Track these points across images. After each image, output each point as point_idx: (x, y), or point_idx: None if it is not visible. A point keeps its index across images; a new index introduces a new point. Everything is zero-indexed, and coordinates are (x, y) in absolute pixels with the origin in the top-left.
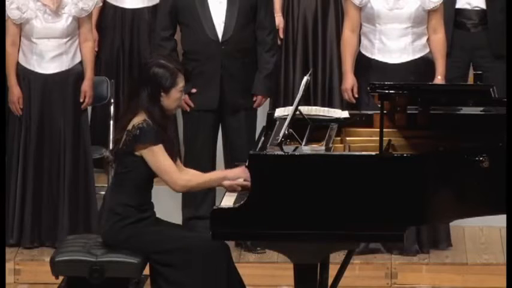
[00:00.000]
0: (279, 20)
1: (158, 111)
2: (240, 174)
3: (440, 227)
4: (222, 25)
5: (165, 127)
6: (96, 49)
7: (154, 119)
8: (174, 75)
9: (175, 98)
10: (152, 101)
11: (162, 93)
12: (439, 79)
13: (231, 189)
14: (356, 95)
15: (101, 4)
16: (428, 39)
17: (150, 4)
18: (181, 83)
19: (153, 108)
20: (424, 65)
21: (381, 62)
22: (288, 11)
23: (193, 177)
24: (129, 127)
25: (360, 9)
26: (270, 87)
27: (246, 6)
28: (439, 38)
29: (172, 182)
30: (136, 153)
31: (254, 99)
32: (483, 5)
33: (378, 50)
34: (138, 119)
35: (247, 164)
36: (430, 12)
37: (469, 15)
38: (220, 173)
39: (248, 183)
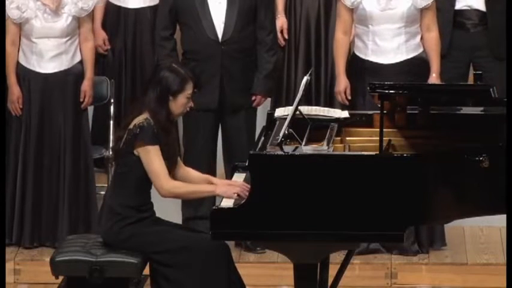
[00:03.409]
0: (282, 21)
1: (164, 114)
2: (229, 192)
3: (436, 227)
4: (222, 25)
5: (168, 130)
6: (108, 47)
7: (159, 121)
8: (183, 81)
9: (181, 104)
10: (160, 103)
11: (170, 97)
12: (433, 77)
13: (226, 196)
14: (349, 97)
15: (101, 4)
16: (422, 38)
17: (153, 4)
18: (189, 90)
19: (160, 110)
20: (419, 64)
21: (375, 63)
22: (290, 11)
23: (180, 185)
24: (131, 126)
25: (352, 10)
26: (270, 87)
27: (246, 7)
28: (433, 36)
29: (158, 185)
30: (135, 152)
31: (253, 98)
32: (483, 8)
33: (372, 51)
34: (140, 118)
35: (246, 163)
36: (422, 11)
37: (468, 16)
38: (209, 188)
39: (243, 196)
